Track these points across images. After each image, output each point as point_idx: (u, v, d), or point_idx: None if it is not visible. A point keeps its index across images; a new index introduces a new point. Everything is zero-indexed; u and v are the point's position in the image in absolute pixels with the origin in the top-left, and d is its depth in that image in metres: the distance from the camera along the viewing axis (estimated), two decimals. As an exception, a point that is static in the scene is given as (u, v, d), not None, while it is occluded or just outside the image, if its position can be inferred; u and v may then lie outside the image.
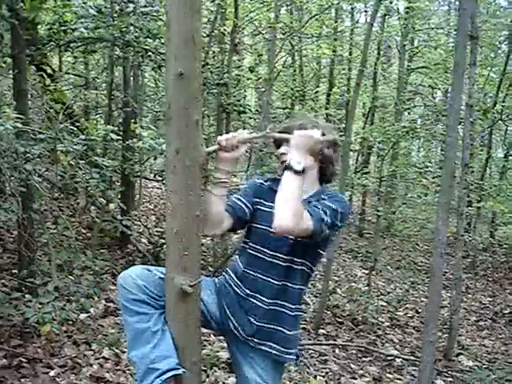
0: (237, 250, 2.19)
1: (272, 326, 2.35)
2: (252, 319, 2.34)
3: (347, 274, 8.42)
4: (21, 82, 4.46)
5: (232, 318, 2.38)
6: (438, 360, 5.36)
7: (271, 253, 2.35)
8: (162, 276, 2.22)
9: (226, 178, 2.31)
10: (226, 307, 2.40)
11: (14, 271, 4.83)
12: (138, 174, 7.56)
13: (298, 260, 2.35)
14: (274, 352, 2.36)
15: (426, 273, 9.60)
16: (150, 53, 5.78)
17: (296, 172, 2.15)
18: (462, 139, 5.02)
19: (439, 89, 13.20)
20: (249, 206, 2.42)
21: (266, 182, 2.50)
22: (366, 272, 8.21)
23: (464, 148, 4.99)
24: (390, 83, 13.56)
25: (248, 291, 2.36)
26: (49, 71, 6.45)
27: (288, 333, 2.38)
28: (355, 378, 4.56)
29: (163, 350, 2.13)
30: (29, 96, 6.39)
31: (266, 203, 2.40)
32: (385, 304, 7.65)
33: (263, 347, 2.36)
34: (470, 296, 8.89)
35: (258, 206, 2.43)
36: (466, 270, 10.25)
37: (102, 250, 6.42)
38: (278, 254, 2.34)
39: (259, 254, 2.37)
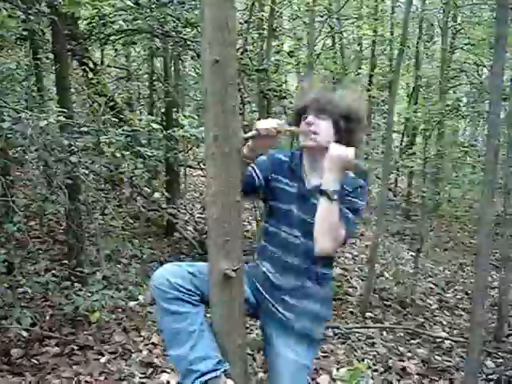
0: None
1: (304, 304, 2.37)
2: (285, 297, 2.36)
3: (394, 257, 8.33)
4: (63, 76, 4.56)
5: (268, 297, 2.40)
6: (487, 341, 5.28)
7: (290, 231, 2.35)
8: (191, 270, 2.26)
9: (253, 159, 2.33)
10: (259, 288, 2.43)
11: (64, 261, 4.95)
12: (182, 162, 7.64)
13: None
14: (308, 328, 2.38)
15: (475, 254, 9.43)
16: (188, 42, 5.82)
17: (332, 199, 2.14)
18: (508, 116, 4.90)
19: (485, 66, 12.85)
20: (260, 177, 2.39)
21: (285, 157, 2.45)
22: (414, 254, 8.13)
23: (509, 125, 4.88)
24: (434, 62, 13.30)
25: (274, 270, 2.39)
26: (91, 65, 6.56)
27: (320, 309, 2.41)
28: (403, 361, 4.54)
29: (201, 350, 2.13)
30: (72, 90, 6.56)
31: (284, 180, 2.39)
32: (433, 286, 7.57)
33: (297, 324, 2.37)
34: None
35: (275, 183, 2.40)
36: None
37: (149, 239, 6.53)
38: (297, 233, 2.35)
39: (279, 232, 2.38)
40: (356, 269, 7.75)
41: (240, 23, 6.70)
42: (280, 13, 7.98)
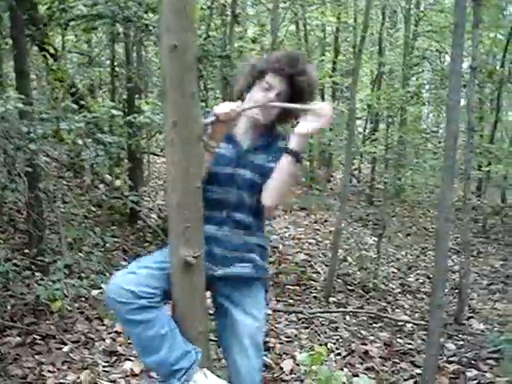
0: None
1: (245, 239, 2.37)
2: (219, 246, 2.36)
3: (357, 242, 8.42)
4: (22, 62, 4.47)
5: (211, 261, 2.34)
6: (448, 324, 5.39)
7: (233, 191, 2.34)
8: (144, 272, 2.19)
9: (217, 146, 2.27)
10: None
11: (25, 251, 4.88)
12: (145, 149, 7.58)
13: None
14: (253, 265, 2.39)
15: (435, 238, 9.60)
16: (150, 27, 5.76)
17: (298, 160, 2.20)
18: (467, 102, 4.98)
19: (446, 53, 13.01)
20: None
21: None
22: (376, 239, 8.24)
23: (469, 111, 4.95)
24: (397, 49, 13.41)
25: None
26: (51, 51, 6.45)
27: (258, 243, 2.42)
28: (366, 344, 4.60)
29: (179, 348, 2.11)
30: (32, 77, 6.43)
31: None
32: (395, 271, 7.68)
33: (241, 269, 2.36)
34: (481, 260, 8.88)
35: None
36: (476, 235, 10.24)
37: (112, 227, 6.46)
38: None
39: (219, 193, 2.35)
40: (320, 254, 7.81)
41: (202, 9, 6.65)
42: (243, -2, 7.96)
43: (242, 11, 7.80)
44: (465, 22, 3.33)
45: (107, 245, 6.01)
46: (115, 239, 6.29)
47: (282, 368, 3.88)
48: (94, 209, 6.89)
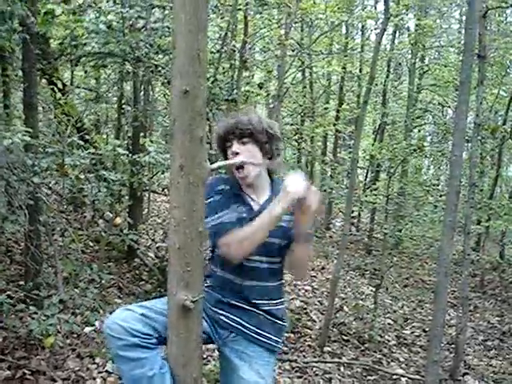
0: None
1: (264, 315, 2.39)
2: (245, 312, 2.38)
3: (354, 292, 8.38)
4: (31, 95, 4.50)
5: (225, 313, 2.40)
6: (444, 380, 5.32)
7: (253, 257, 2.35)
8: (144, 312, 2.22)
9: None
10: (212, 309, 2.42)
11: (20, 283, 4.85)
12: (147, 188, 7.60)
13: (277, 259, 2.40)
14: (270, 340, 2.40)
15: (433, 291, 9.54)
16: (159, 68, 5.84)
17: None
18: (470, 158, 5.02)
19: (449, 107, 13.18)
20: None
21: (225, 185, 2.45)
22: (373, 290, 8.18)
23: (471, 167, 4.99)
24: (400, 100, 13.60)
25: (231, 297, 2.39)
26: (59, 85, 6.52)
27: (279, 322, 2.44)
28: (359, 397, 4.54)
29: None
30: (40, 109, 6.49)
31: (232, 209, 2.38)
32: (391, 322, 7.61)
33: (260, 337, 2.38)
34: (477, 315, 8.81)
35: (224, 216, 2.39)
36: (474, 289, 10.18)
37: (109, 264, 6.43)
38: (263, 258, 2.36)
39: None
40: (316, 302, 7.75)
41: (212, 52, 6.75)
42: (253, 45, 8.08)
43: (249, 57, 7.91)
44: (470, 79, 3.38)
45: (103, 281, 5.99)
46: (111, 276, 6.26)
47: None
48: (91, 244, 6.88)
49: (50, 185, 4.20)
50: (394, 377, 5.24)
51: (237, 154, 2.35)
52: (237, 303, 2.39)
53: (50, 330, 3.53)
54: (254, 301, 2.38)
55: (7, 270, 5.40)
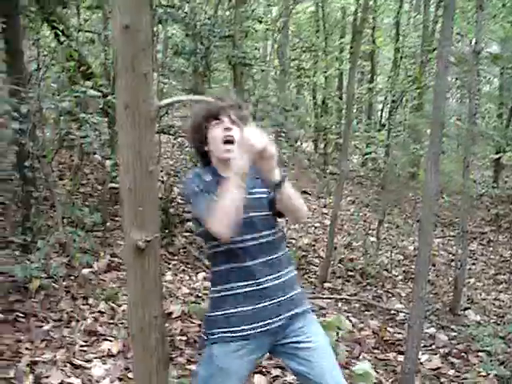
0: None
1: (293, 292, 2.33)
2: (281, 298, 2.29)
3: (365, 228, 8.33)
4: (16, 41, 4.45)
5: (274, 318, 2.26)
6: (445, 313, 5.32)
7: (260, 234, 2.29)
8: None
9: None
10: (257, 322, 2.26)
11: (18, 227, 4.90)
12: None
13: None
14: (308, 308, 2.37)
15: (449, 226, 9.50)
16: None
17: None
18: (469, 89, 4.85)
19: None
20: None
21: (206, 176, 2.37)
22: (385, 226, 8.17)
23: (470, 97, 4.82)
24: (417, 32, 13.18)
25: (260, 281, 2.27)
26: (62, 29, 6.43)
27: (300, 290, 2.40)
28: (352, 332, 4.54)
29: None
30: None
31: None
32: (401, 258, 7.59)
33: (302, 311, 2.34)
34: (490, 249, 8.76)
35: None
36: (488, 223, 10.10)
37: (115, 207, 6.46)
38: (267, 232, 2.32)
39: (247, 243, 2.27)
40: (325, 239, 7.74)
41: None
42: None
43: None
44: (453, 2, 3.23)
45: (107, 224, 6.04)
46: (117, 218, 6.32)
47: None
48: (99, 188, 6.91)
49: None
50: (392, 312, 5.24)
51: (230, 129, 2.30)
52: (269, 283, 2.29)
53: (35, 273, 3.57)
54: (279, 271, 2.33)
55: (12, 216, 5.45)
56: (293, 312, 2.30)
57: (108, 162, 4.34)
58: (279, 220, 2.44)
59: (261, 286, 2.25)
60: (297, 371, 2.30)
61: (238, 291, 2.26)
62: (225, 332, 2.25)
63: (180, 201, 7.05)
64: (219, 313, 2.29)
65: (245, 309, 2.24)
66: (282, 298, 2.28)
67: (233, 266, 2.28)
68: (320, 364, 2.25)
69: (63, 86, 5.15)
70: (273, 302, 2.26)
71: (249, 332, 2.23)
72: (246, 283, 2.25)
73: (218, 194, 2.13)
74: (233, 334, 2.24)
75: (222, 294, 2.30)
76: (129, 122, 2.03)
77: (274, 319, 2.26)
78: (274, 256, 2.32)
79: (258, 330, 2.23)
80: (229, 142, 2.29)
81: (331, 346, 2.35)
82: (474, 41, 4.82)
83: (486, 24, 9.68)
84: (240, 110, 2.38)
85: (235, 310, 2.26)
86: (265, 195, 2.33)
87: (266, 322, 2.24)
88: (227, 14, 7.27)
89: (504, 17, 10.68)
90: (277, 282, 2.29)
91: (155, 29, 7.75)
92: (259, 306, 2.24)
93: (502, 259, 8.29)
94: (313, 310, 2.42)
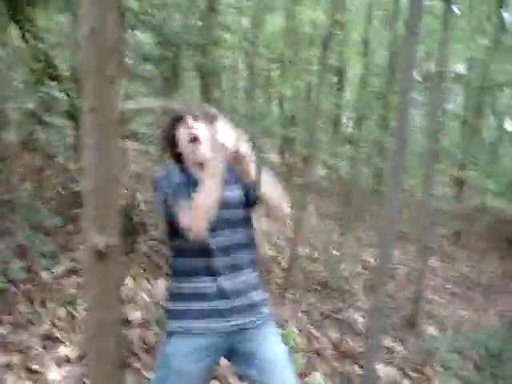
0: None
1: (253, 295, 2.35)
2: (239, 301, 2.31)
3: (327, 240, 8.39)
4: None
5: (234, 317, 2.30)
6: (403, 327, 5.39)
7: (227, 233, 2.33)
8: None
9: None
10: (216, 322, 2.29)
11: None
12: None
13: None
14: (266, 314, 2.39)
15: (410, 241, 9.63)
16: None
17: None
18: (432, 106, 4.96)
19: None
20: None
21: (174, 176, 2.37)
22: (347, 238, 8.23)
23: (432, 114, 4.92)
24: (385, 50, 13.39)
25: (219, 279, 2.30)
26: (28, 30, 6.35)
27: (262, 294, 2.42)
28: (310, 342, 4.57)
29: None
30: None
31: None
32: (362, 270, 7.66)
33: (262, 317, 2.35)
34: (448, 265, 8.90)
35: None
36: (448, 239, 10.27)
37: (77, 211, 6.38)
38: (235, 230, 2.35)
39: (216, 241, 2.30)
40: (288, 250, 7.77)
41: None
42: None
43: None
44: (418, 21, 3.30)
45: (69, 227, 5.97)
46: (78, 222, 6.23)
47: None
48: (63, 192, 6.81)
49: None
50: (351, 323, 5.29)
51: (192, 127, 2.34)
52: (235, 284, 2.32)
53: (-8, 275, 3.51)
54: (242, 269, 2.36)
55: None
56: (252, 318, 2.31)
57: (71, 165, 4.30)
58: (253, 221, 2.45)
59: (219, 286, 2.27)
60: (250, 380, 2.32)
61: (197, 288, 2.29)
62: (180, 326, 2.28)
63: (144, 208, 7.00)
64: (175, 306, 2.32)
65: (200, 305, 2.27)
66: (241, 302, 2.30)
67: (195, 263, 2.30)
68: (272, 376, 2.25)
69: (29, 87, 5.11)
70: (229, 302, 2.28)
71: (202, 329, 2.26)
72: (205, 280, 2.28)
73: (193, 195, 2.15)
74: (187, 329, 2.27)
75: (181, 288, 2.32)
76: (93, 124, 2.04)
77: (229, 320, 2.27)
78: (237, 256, 2.34)
79: (212, 327, 2.25)
80: (194, 139, 2.31)
81: (288, 356, 2.37)
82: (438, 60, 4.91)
83: (453, 44, 9.84)
84: (205, 109, 2.43)
85: (190, 305, 2.28)
86: (236, 194, 2.35)
87: (219, 322, 2.26)
88: (198, 23, 7.27)
89: (470, 38, 10.92)
90: (236, 282, 2.31)
91: (125, 34, 7.76)
92: (214, 304, 2.26)
93: (460, 275, 8.44)
94: (272, 320, 2.42)
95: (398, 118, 3.36)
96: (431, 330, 5.50)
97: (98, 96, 2.02)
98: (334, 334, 4.90)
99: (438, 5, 11.71)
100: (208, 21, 6.57)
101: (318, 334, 4.83)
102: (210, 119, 2.33)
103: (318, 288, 6.33)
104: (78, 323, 4.03)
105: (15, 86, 4.22)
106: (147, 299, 4.87)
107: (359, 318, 5.52)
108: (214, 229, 2.24)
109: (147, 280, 5.35)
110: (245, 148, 2.17)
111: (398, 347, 4.87)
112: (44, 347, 3.65)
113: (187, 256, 2.32)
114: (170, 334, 2.30)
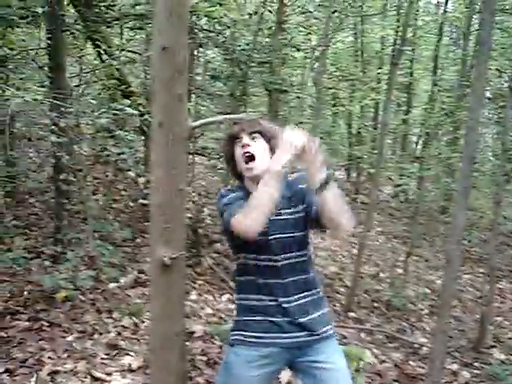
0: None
1: (317, 313, 2.35)
2: (302, 319, 2.31)
3: (392, 259, 8.26)
4: (58, 56, 4.59)
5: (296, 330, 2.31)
6: (469, 350, 5.24)
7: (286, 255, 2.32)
8: None
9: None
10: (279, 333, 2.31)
11: (49, 238, 4.99)
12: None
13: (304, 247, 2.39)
14: (329, 327, 2.37)
15: (478, 262, 9.36)
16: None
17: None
18: (503, 124, 4.84)
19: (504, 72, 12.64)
20: None
21: (237, 193, 2.39)
22: (414, 258, 8.09)
23: (503, 132, 4.80)
24: (455, 67, 13.13)
25: (282, 300, 2.31)
26: (105, 48, 6.60)
27: (325, 311, 2.42)
28: (374, 363, 4.50)
29: None
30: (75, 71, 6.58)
31: None
32: (429, 291, 7.50)
33: (325, 333, 2.34)
34: (520, 288, 8.59)
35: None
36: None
37: (145, 224, 6.53)
38: (294, 253, 2.34)
39: (276, 262, 2.30)
40: (352, 268, 7.70)
41: (249, 14, 6.69)
42: (291, 4, 7.90)
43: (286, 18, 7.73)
44: (489, 38, 3.24)
45: (138, 240, 6.12)
46: (146, 235, 6.38)
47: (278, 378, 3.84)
48: (131, 204, 7.00)
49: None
50: (415, 346, 5.18)
51: (247, 146, 2.33)
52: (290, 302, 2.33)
53: (62, 284, 3.63)
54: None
55: (44, 227, 5.55)
56: (314, 335, 2.31)
57: (141, 179, 4.43)
58: (311, 240, 2.46)
59: (283, 305, 2.29)
60: None
61: (260, 304, 2.31)
62: (243, 335, 2.31)
63: (209, 222, 7.11)
64: (241, 318, 2.37)
65: (263, 319, 2.30)
66: (303, 319, 2.30)
67: (258, 281, 2.32)
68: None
69: (102, 103, 5.29)
70: (292, 321, 2.29)
71: (265, 340, 2.28)
72: (268, 299, 2.30)
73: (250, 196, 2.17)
74: (249, 339, 2.30)
75: (246, 302, 2.36)
76: (162, 140, 2.09)
77: (291, 336, 2.28)
78: (301, 277, 2.35)
79: (273, 341, 2.27)
80: (249, 158, 2.33)
81: (350, 374, 2.35)
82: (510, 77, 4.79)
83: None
84: (265, 123, 2.40)
85: (255, 318, 2.31)
86: (292, 216, 2.35)
87: (282, 337, 2.27)
88: (266, 41, 7.35)
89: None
90: (299, 302, 2.32)
91: (195, 52, 7.94)
92: (278, 320, 2.28)
93: (531, 299, 8.13)
94: (336, 337, 2.41)
95: (467, 135, 3.30)
96: (498, 354, 5.32)
97: (166, 112, 2.07)
98: (398, 356, 4.80)
99: (509, 20, 11.47)
100: (276, 39, 6.61)
101: (381, 355, 4.74)
102: (271, 133, 2.35)
103: (382, 308, 6.23)
104: (142, 334, 4.11)
105: (89, 102, 4.36)
106: (210, 312, 4.93)
107: (424, 340, 5.40)
108: (280, 248, 2.28)
109: (211, 293, 5.41)
110: (314, 145, 2.14)
111: (463, 371, 4.74)
112: (108, 356, 3.74)
113: (251, 274, 2.35)
114: (233, 344, 2.34)
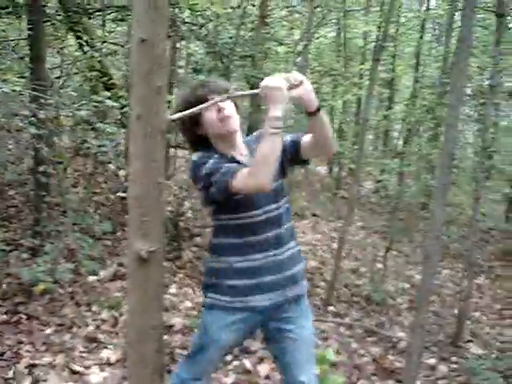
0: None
1: (297, 267, 2.43)
2: (288, 272, 2.38)
3: (372, 254, 8.30)
4: (38, 48, 4.54)
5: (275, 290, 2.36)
6: (446, 345, 5.29)
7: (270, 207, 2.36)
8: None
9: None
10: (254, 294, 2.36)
11: (28, 231, 4.96)
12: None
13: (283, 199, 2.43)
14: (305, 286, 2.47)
15: (458, 258, 9.45)
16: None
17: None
18: (483, 121, 4.88)
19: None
20: None
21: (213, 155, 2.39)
22: (393, 253, 8.14)
23: (484, 130, 4.84)
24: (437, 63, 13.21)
25: (270, 253, 2.36)
26: (86, 39, 6.56)
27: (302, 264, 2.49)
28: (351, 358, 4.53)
29: None
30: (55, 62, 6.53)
31: None
32: (408, 286, 7.55)
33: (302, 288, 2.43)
34: (498, 283, 8.68)
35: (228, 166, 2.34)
36: (497, 257, 10.04)
37: (126, 217, 6.49)
38: (277, 204, 2.38)
39: (262, 214, 2.35)
40: (333, 263, 7.72)
41: (232, 8, 6.67)
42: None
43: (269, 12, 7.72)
44: (470, 36, 3.26)
45: (118, 234, 6.09)
46: (126, 228, 6.34)
47: (258, 371, 3.86)
48: (112, 197, 6.95)
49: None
50: (394, 340, 5.21)
51: (224, 108, 2.35)
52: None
53: (40, 277, 3.61)
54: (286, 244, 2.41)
55: (24, 219, 5.51)
56: (292, 292, 2.38)
57: (122, 172, 4.40)
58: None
59: (271, 259, 2.34)
60: (274, 355, 2.49)
61: (245, 263, 2.35)
62: (220, 300, 2.37)
63: (190, 215, 7.08)
64: (218, 281, 2.40)
65: (244, 281, 2.34)
66: (289, 273, 2.36)
67: (245, 240, 2.35)
68: (295, 355, 2.38)
69: (83, 95, 5.26)
70: (279, 275, 2.35)
71: (243, 304, 2.34)
72: (255, 256, 2.34)
73: (254, 148, 2.22)
74: (228, 304, 2.35)
75: (225, 264, 2.39)
76: (140, 132, 2.08)
77: (270, 297, 2.35)
78: (283, 229, 2.38)
79: (252, 304, 2.33)
80: (228, 118, 2.35)
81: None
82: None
83: (506, 58, 9.64)
84: (225, 85, 2.44)
85: (240, 282, 2.35)
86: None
87: (260, 300, 2.34)
88: (249, 35, 7.34)
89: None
90: (286, 255, 2.37)
91: (178, 45, 7.90)
92: (259, 280, 2.34)
93: (508, 294, 8.21)
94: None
95: (446, 132, 3.32)
96: (475, 349, 5.37)
97: (144, 105, 2.06)
98: (377, 350, 4.83)
99: (491, 18, 11.55)
100: (259, 33, 6.60)
101: (360, 349, 4.77)
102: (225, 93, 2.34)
103: (362, 303, 6.26)
104: (121, 327, 4.10)
105: (70, 94, 4.33)
106: (190, 306, 4.92)
107: (402, 335, 5.43)
108: (261, 201, 2.32)
109: (191, 287, 5.40)
110: (297, 76, 2.16)
111: (440, 365, 4.77)
112: (87, 349, 3.73)
113: (236, 233, 2.36)
114: (211, 307, 2.40)
